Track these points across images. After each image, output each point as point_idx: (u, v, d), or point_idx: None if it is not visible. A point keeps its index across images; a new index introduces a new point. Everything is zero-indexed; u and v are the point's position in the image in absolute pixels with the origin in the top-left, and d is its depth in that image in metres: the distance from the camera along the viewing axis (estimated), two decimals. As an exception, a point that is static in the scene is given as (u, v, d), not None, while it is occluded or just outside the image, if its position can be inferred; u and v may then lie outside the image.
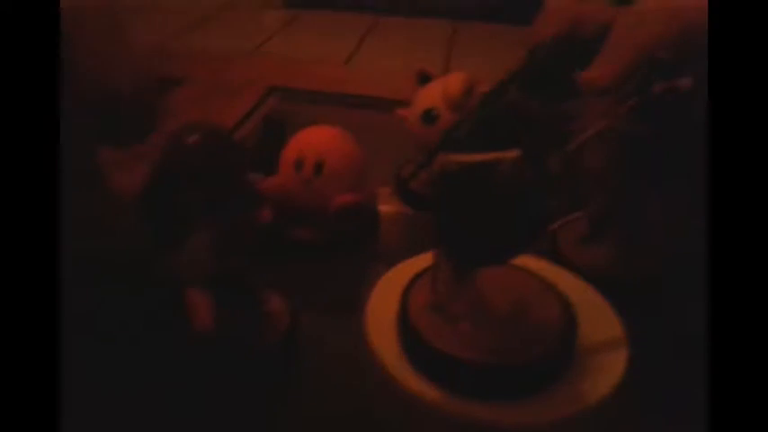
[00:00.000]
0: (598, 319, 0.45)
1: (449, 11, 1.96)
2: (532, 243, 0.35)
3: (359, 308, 0.48)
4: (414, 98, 0.64)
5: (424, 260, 0.47)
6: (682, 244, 0.56)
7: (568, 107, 0.37)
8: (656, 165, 0.51)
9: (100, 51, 0.43)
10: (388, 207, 0.66)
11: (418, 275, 0.46)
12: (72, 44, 0.37)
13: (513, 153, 0.31)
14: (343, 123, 0.61)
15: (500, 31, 1.73)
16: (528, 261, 0.48)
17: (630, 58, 0.42)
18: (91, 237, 0.44)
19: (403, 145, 0.66)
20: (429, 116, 0.61)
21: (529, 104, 0.34)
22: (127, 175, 0.46)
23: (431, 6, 2.00)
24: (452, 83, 0.60)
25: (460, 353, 0.39)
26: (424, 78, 0.65)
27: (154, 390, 0.46)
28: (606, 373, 0.41)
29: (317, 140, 0.58)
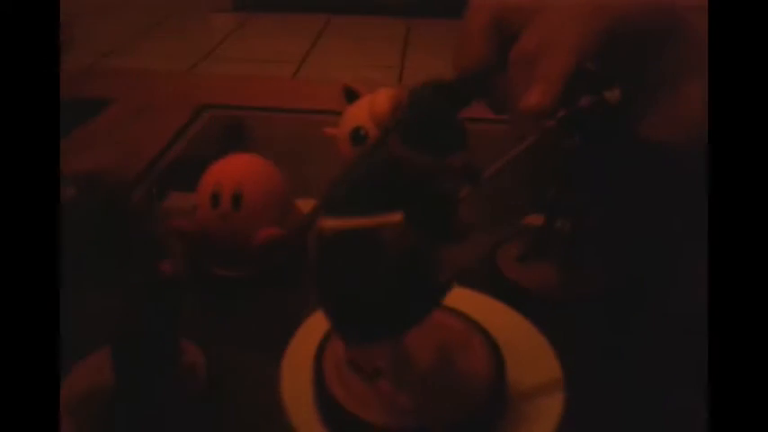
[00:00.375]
0: (533, 359, 0.42)
1: (402, 8, 1.93)
2: (429, 312, 0.31)
3: (278, 352, 0.44)
4: (342, 116, 0.61)
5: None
6: (623, 259, 0.54)
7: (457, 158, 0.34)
8: (590, 178, 0.49)
9: None
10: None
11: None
12: None
13: (396, 217, 0.28)
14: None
15: (455, 26, 1.71)
16: (458, 295, 0.45)
17: (567, 68, 0.39)
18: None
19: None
20: (358, 135, 0.58)
21: (414, 157, 0.31)
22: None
23: (383, 4, 1.96)
24: (379, 100, 0.57)
25: (378, 418, 0.36)
26: (351, 95, 0.61)
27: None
28: (541, 420, 0.38)
29: (233, 171, 0.54)
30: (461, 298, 0.44)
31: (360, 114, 0.58)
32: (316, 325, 0.44)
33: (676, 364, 0.47)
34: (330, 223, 0.29)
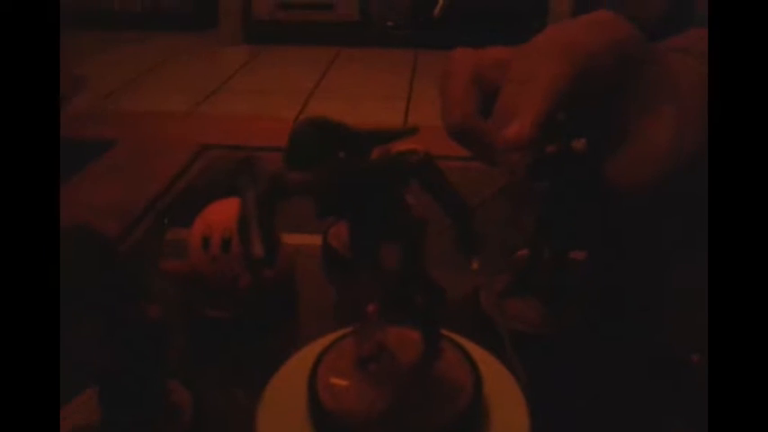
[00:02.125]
0: (502, 391, 0.43)
1: (410, 41, 1.96)
2: None
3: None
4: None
5: (319, 347, 0.45)
6: (603, 297, 0.55)
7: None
8: (565, 219, 0.51)
9: None
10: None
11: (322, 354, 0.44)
12: None
13: None
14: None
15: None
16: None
17: (543, 105, 0.41)
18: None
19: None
20: None
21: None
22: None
23: (388, 36, 2.00)
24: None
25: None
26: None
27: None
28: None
29: (223, 216, 0.56)
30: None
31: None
32: (302, 359, 0.46)
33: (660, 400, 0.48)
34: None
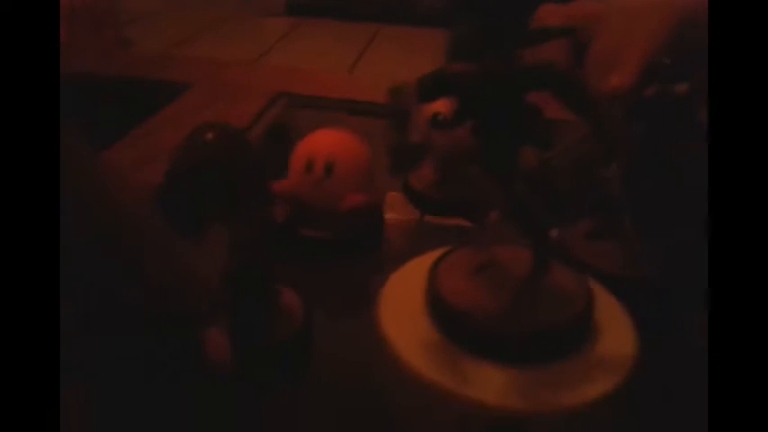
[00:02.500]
0: (610, 314, 0.46)
1: (450, 21, 1.98)
2: None
3: (368, 303, 0.49)
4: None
5: (431, 257, 0.48)
6: (685, 245, 0.57)
7: None
8: (656, 165, 0.53)
9: None
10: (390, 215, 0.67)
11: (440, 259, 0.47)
12: None
13: None
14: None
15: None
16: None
17: (643, 58, 0.44)
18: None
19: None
20: (436, 120, 0.63)
21: None
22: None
23: (428, 17, 2.02)
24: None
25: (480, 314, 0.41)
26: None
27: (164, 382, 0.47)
28: (617, 362, 0.42)
29: (327, 142, 0.59)
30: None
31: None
32: (407, 273, 0.49)
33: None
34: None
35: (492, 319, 0.42)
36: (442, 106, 0.63)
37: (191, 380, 0.45)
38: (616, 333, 0.44)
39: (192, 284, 0.45)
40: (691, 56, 0.45)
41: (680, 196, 0.58)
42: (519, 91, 0.37)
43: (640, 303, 0.47)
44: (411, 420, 0.43)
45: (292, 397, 0.47)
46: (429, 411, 0.41)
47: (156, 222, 0.42)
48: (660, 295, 0.52)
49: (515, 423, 0.39)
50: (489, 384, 0.40)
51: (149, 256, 0.42)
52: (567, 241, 0.58)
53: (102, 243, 0.38)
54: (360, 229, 0.60)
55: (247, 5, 2.19)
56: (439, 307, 0.44)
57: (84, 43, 1.08)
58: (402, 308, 0.46)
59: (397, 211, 0.67)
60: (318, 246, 0.59)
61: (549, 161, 0.40)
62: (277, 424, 0.45)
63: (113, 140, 0.74)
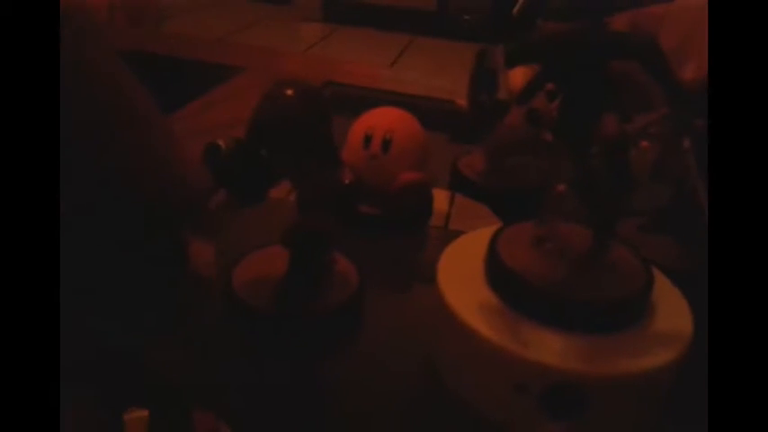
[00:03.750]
0: (668, 296, 0.46)
1: (484, 36, 2.00)
2: None
3: (422, 275, 0.50)
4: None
5: (489, 231, 0.49)
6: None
7: None
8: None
9: None
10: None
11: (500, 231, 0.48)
12: None
13: None
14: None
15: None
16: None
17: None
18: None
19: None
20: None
21: None
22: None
23: (460, 30, 2.04)
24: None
25: (542, 282, 0.42)
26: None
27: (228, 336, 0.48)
28: (675, 338, 0.43)
29: (385, 119, 0.61)
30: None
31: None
32: (464, 243, 0.50)
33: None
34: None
35: (553, 286, 0.43)
36: (520, 78, 0.64)
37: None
38: (673, 314, 0.45)
39: (184, 189, 0.47)
40: None
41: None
42: (606, 56, 0.38)
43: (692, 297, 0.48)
44: (466, 384, 0.44)
45: (343, 362, 0.48)
46: (488, 373, 0.42)
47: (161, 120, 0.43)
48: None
49: (574, 386, 0.39)
50: (549, 347, 0.41)
51: (149, 154, 0.44)
52: (621, 232, 0.59)
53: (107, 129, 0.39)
54: (411, 207, 0.61)
55: (283, 10, 2.22)
56: (499, 273, 0.44)
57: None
58: (462, 274, 0.46)
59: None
60: (370, 221, 0.61)
61: (629, 132, 0.41)
62: (327, 389, 0.46)
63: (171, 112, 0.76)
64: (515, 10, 0.47)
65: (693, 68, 0.45)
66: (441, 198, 0.70)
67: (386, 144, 0.59)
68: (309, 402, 0.44)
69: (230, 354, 0.47)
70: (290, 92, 0.44)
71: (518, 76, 0.64)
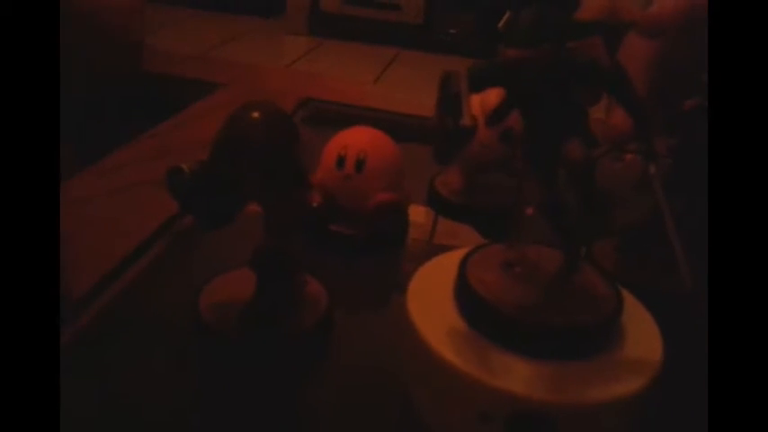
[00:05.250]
0: (638, 321, 0.46)
1: (469, 50, 2.01)
2: None
3: (393, 297, 0.49)
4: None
5: (460, 253, 0.48)
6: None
7: None
8: (690, 180, 0.53)
9: None
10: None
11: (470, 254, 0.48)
12: None
13: None
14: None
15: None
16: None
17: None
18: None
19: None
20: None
21: None
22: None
23: (446, 44, 2.05)
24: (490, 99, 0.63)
25: (510, 309, 0.42)
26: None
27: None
28: (644, 365, 0.42)
29: (359, 139, 0.60)
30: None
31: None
32: (436, 266, 0.49)
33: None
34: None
35: (521, 311, 0.42)
36: (494, 97, 0.64)
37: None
38: (643, 339, 0.44)
39: None
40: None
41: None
42: (573, 83, 0.38)
43: (668, 316, 0.48)
44: (434, 409, 0.43)
45: (310, 385, 0.47)
46: (453, 400, 0.41)
47: None
48: (689, 309, 0.52)
49: (540, 414, 0.39)
50: (515, 374, 0.40)
51: None
52: (596, 253, 0.58)
53: None
54: (386, 228, 0.61)
55: (270, 24, 2.22)
56: (467, 298, 0.44)
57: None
58: (430, 298, 0.46)
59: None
60: (344, 241, 0.60)
61: (595, 157, 0.40)
62: (294, 413, 0.45)
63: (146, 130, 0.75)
64: (500, 24, 0.47)
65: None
66: (421, 214, 0.70)
67: (359, 164, 0.58)
68: (277, 427, 0.43)
69: (197, 379, 0.46)
70: (255, 114, 0.43)
71: (491, 96, 0.63)
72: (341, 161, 0.59)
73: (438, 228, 0.67)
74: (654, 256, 0.56)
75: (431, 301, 0.46)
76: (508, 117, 0.43)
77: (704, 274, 0.54)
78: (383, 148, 0.60)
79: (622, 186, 0.62)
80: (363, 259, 0.59)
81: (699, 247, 0.56)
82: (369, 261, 0.59)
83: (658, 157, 0.40)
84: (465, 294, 0.44)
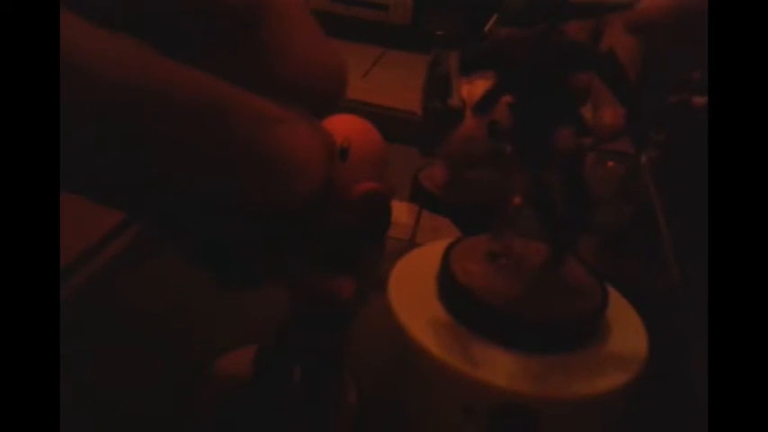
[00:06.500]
0: (623, 315, 0.45)
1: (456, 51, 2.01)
2: None
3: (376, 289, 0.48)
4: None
5: (443, 243, 0.47)
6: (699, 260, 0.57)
7: None
8: (675, 178, 0.53)
9: None
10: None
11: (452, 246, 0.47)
12: None
13: None
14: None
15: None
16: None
17: None
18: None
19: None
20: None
21: None
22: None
23: (438, 45, 2.04)
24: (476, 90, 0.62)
25: (496, 302, 0.41)
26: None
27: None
28: (629, 359, 0.41)
29: (344, 127, 0.59)
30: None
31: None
32: (417, 256, 0.48)
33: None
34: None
35: (505, 303, 0.41)
36: (480, 88, 0.63)
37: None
38: (628, 334, 0.44)
39: None
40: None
41: (693, 211, 0.58)
42: (562, 67, 0.37)
43: (653, 313, 0.47)
44: (417, 402, 0.42)
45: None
46: (436, 392, 0.40)
47: None
48: (675, 306, 0.52)
49: (523, 407, 0.38)
50: (499, 368, 0.39)
51: None
52: (581, 251, 0.58)
53: None
54: (370, 217, 0.59)
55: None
56: (451, 289, 0.43)
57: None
58: (413, 289, 0.45)
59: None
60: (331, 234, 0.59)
61: (586, 147, 0.40)
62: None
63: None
64: (486, 27, 0.46)
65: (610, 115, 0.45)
66: (404, 212, 0.69)
67: (343, 153, 0.57)
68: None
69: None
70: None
71: (478, 87, 0.63)
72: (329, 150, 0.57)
73: (421, 224, 0.66)
74: (639, 253, 0.56)
75: (413, 291, 0.44)
76: (496, 105, 0.42)
77: (689, 270, 0.54)
78: (369, 138, 0.59)
79: (604, 192, 0.61)
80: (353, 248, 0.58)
81: (684, 243, 0.56)
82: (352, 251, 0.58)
83: (649, 147, 0.39)
84: (448, 285, 0.43)
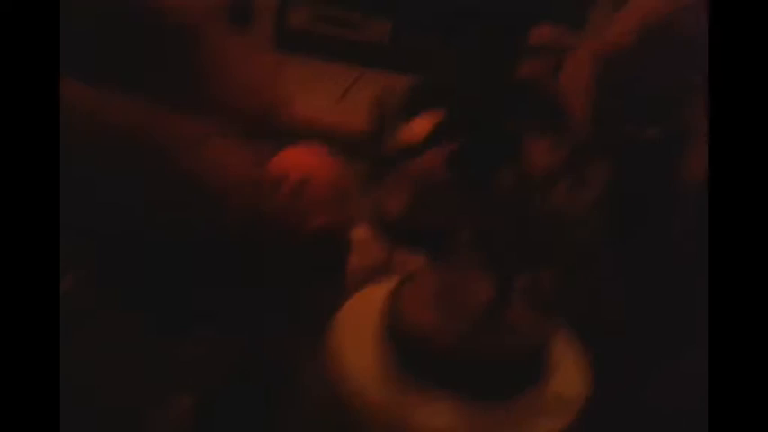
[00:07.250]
0: (566, 353, 0.45)
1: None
2: None
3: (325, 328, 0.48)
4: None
5: (392, 282, 0.47)
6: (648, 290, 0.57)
7: None
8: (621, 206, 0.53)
9: None
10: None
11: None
12: None
13: None
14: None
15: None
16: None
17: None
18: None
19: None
20: None
21: None
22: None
23: (417, 65, 2.04)
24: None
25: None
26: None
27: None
28: (568, 401, 0.42)
29: (303, 159, 0.59)
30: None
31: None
32: (363, 299, 0.48)
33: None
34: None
35: (448, 347, 0.41)
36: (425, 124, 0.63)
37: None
38: (570, 372, 0.44)
39: None
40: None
41: (644, 243, 0.58)
42: (508, 108, 0.37)
43: (601, 346, 0.47)
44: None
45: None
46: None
47: None
48: (622, 338, 0.52)
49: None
50: (438, 412, 0.39)
51: None
52: (530, 286, 0.58)
53: None
54: (324, 251, 0.59)
55: (239, 39, 2.20)
56: (395, 332, 0.43)
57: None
58: (358, 331, 0.45)
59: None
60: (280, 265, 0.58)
61: (527, 185, 0.40)
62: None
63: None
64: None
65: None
66: (363, 235, 0.68)
67: (300, 185, 0.57)
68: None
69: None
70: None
71: (424, 123, 0.63)
72: (281, 181, 0.57)
73: (380, 250, 0.66)
74: (591, 287, 0.56)
75: (358, 334, 0.44)
76: (440, 143, 0.42)
77: (639, 304, 0.54)
78: (328, 169, 0.59)
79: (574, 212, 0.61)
80: (300, 285, 0.58)
81: (633, 276, 0.56)
82: (305, 286, 0.58)
83: (588, 185, 0.40)
84: (393, 328, 0.43)
